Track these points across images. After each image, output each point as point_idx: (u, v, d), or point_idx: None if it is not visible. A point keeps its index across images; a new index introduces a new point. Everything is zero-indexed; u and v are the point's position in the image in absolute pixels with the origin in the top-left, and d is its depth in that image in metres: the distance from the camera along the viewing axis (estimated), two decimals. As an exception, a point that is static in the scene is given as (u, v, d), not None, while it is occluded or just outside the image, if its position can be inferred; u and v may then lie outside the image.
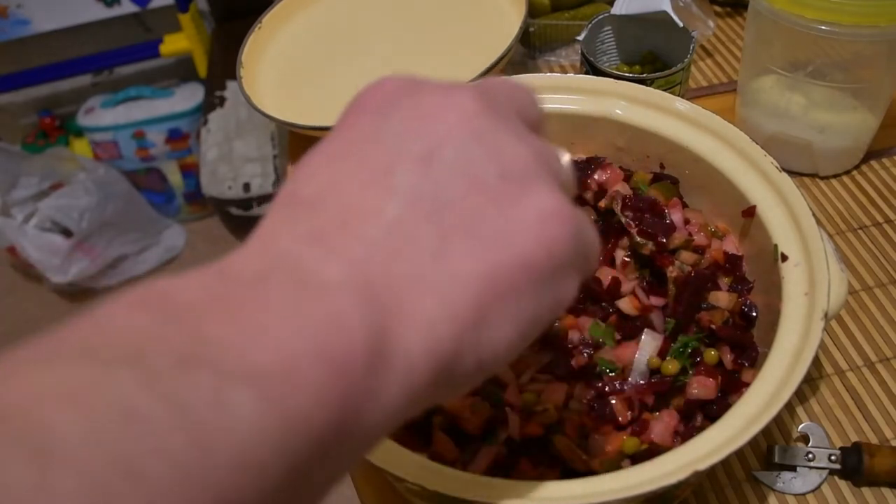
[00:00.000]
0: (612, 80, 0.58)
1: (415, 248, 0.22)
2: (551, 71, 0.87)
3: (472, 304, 0.22)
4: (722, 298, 0.50)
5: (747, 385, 0.45)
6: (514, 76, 0.29)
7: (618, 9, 0.76)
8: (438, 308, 0.22)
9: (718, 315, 0.50)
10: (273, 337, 0.18)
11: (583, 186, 0.56)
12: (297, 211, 0.24)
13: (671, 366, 0.48)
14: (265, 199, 1.45)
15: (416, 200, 0.23)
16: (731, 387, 0.47)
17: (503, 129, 0.25)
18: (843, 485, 0.53)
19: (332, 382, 0.19)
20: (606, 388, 0.48)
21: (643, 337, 0.49)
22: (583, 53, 0.73)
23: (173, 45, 1.82)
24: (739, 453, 0.55)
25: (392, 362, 0.21)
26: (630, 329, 0.50)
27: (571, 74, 0.59)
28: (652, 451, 0.44)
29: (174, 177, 1.94)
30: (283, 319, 0.19)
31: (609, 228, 0.55)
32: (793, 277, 0.46)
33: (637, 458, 0.44)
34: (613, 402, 0.47)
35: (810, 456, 0.53)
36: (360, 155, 0.25)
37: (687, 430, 0.46)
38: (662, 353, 0.48)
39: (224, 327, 0.18)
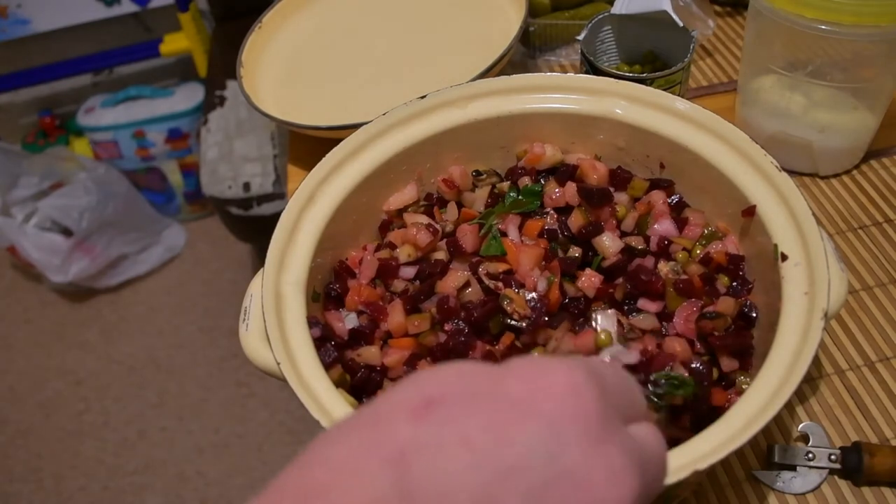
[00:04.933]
0: (612, 79, 0.58)
1: None
2: (551, 70, 0.87)
3: None
4: (723, 304, 0.50)
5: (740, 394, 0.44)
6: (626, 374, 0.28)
7: (618, 8, 0.75)
8: None
9: (721, 322, 0.49)
10: None
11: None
12: None
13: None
14: (265, 198, 1.45)
15: None
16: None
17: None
18: (843, 484, 0.53)
19: None
20: None
21: (597, 317, 0.49)
22: (583, 53, 0.73)
23: (173, 44, 1.82)
24: (739, 453, 0.55)
25: None
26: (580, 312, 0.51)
27: (571, 74, 0.59)
28: None
29: (174, 176, 1.94)
30: None
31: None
32: (793, 277, 0.46)
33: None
34: None
35: (810, 455, 0.53)
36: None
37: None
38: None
39: None
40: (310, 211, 0.54)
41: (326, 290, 0.55)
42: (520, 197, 0.58)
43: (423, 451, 0.22)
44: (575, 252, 0.54)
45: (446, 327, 0.51)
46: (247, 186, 1.45)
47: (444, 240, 0.56)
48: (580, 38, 0.74)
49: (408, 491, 0.21)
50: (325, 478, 0.22)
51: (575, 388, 0.24)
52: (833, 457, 0.53)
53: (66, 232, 1.74)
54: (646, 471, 0.24)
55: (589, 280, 0.51)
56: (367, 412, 0.24)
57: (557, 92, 0.58)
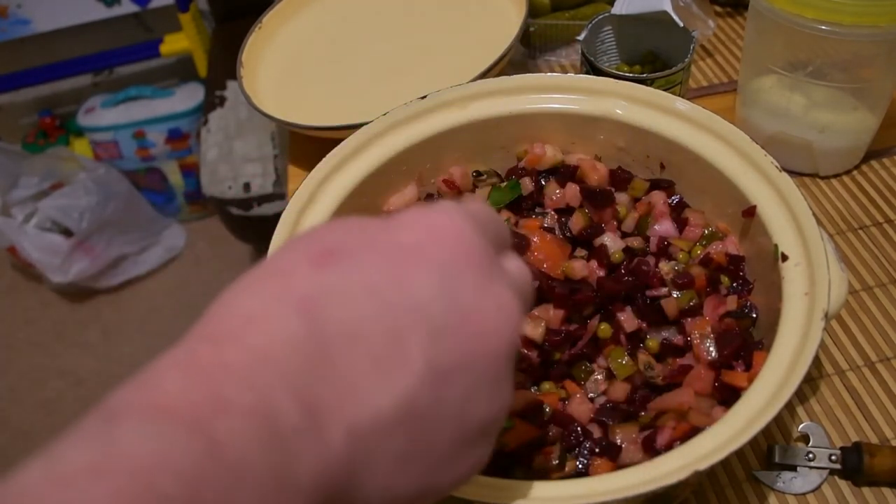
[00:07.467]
0: (612, 79, 0.58)
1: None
2: (551, 71, 0.87)
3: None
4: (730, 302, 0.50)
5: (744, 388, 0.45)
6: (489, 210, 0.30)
7: (618, 9, 0.75)
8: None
9: (746, 322, 0.50)
10: None
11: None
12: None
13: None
14: (265, 198, 1.45)
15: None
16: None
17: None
18: (844, 484, 0.53)
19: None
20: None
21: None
22: (583, 53, 0.73)
23: (173, 44, 1.82)
24: (740, 453, 0.55)
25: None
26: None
27: (571, 74, 0.59)
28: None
29: (174, 177, 1.94)
30: None
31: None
32: (793, 277, 0.46)
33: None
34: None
35: (810, 456, 0.53)
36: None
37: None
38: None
39: None
40: (310, 211, 0.54)
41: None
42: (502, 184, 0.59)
43: (332, 297, 0.23)
44: (580, 253, 0.54)
45: None
46: (247, 187, 1.45)
47: None
48: (580, 38, 0.74)
49: (320, 333, 0.22)
50: (236, 324, 0.23)
51: (460, 232, 0.26)
52: (833, 457, 0.53)
53: (66, 232, 1.73)
54: (523, 298, 0.28)
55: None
56: (268, 266, 0.25)
57: (557, 92, 0.58)
